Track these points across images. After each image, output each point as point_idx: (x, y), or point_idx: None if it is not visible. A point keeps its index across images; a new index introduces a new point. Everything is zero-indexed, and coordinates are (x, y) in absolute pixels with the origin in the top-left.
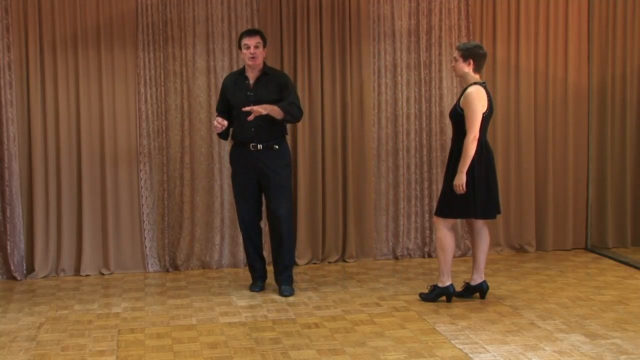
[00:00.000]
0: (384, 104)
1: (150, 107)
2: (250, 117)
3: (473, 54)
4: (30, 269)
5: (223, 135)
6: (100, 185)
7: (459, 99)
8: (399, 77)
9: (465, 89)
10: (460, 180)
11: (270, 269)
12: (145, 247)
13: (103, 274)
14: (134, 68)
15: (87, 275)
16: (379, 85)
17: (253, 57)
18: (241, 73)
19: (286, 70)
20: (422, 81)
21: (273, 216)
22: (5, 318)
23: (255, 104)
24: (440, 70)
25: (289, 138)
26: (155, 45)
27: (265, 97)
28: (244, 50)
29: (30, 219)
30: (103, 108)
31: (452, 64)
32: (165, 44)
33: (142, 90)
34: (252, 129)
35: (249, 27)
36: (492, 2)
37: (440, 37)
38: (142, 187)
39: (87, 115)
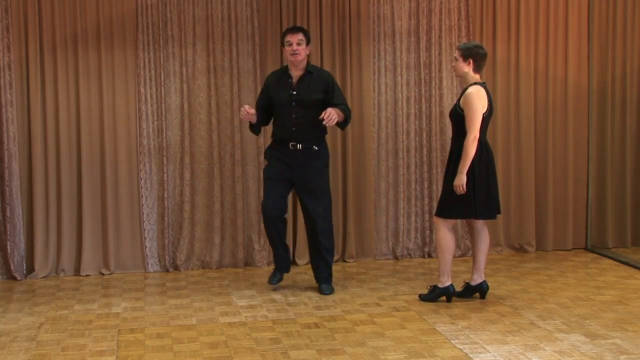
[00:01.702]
0: (384, 104)
1: (150, 107)
2: (327, 122)
3: (473, 54)
4: (30, 269)
5: (256, 128)
6: (100, 185)
7: (459, 99)
8: (399, 77)
9: (466, 89)
10: (461, 180)
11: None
12: (145, 247)
13: (103, 274)
14: (134, 68)
15: (87, 275)
16: (379, 85)
17: (295, 54)
18: (285, 71)
19: None
20: (422, 81)
21: (310, 216)
22: (5, 318)
23: (297, 103)
24: (440, 70)
25: None
26: (155, 45)
27: (308, 96)
28: (287, 47)
29: (30, 219)
30: (103, 108)
31: (453, 64)
32: (165, 44)
33: (142, 90)
34: (293, 129)
35: (249, 27)
36: (492, 2)
37: (440, 37)
38: (142, 187)
39: (87, 115)
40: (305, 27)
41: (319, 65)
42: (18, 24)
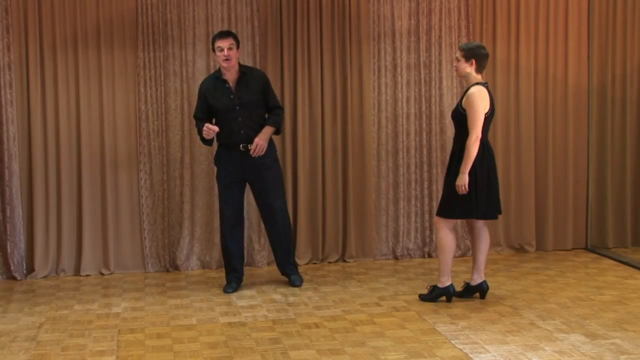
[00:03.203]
0: (384, 104)
1: (150, 107)
2: (255, 153)
3: (475, 54)
4: (30, 269)
5: (209, 141)
6: (100, 185)
7: (460, 99)
8: (399, 77)
9: (468, 89)
10: (463, 180)
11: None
12: (145, 247)
13: (103, 274)
14: (134, 68)
15: (87, 275)
16: (379, 85)
17: (227, 59)
18: (218, 77)
19: (286, 71)
20: (422, 81)
21: (269, 210)
22: (5, 318)
23: (239, 106)
24: (440, 70)
25: (289, 139)
26: (155, 45)
27: (248, 98)
28: (218, 53)
29: (30, 219)
30: (103, 108)
31: (455, 64)
32: (165, 44)
33: (142, 90)
34: (242, 132)
35: (249, 27)
36: (492, 2)
37: (440, 37)
38: (142, 187)
39: (87, 115)
40: (305, 27)
41: (318, 66)
42: (18, 24)
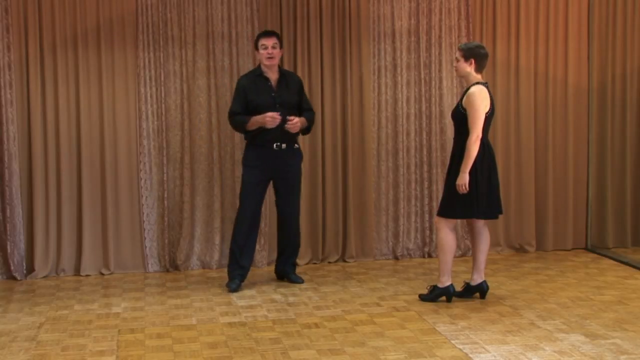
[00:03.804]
0: (384, 104)
1: (150, 107)
2: (290, 125)
3: (475, 54)
4: (30, 269)
5: (251, 132)
6: (100, 185)
7: (461, 99)
8: (399, 77)
9: (468, 89)
10: (463, 180)
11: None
12: (145, 247)
13: (103, 274)
14: (134, 68)
15: (87, 275)
16: (379, 85)
17: (270, 57)
18: (259, 74)
19: None
20: (422, 81)
21: (287, 210)
22: (5, 318)
23: (280, 105)
24: (440, 70)
25: None
26: (155, 45)
27: (288, 98)
28: (262, 51)
29: (30, 219)
30: (103, 108)
31: (454, 64)
32: (165, 44)
33: (142, 90)
34: (278, 131)
35: (249, 27)
36: (492, 2)
37: (440, 37)
38: (142, 187)
39: (87, 115)
40: (305, 27)
41: (318, 66)
42: (18, 24)
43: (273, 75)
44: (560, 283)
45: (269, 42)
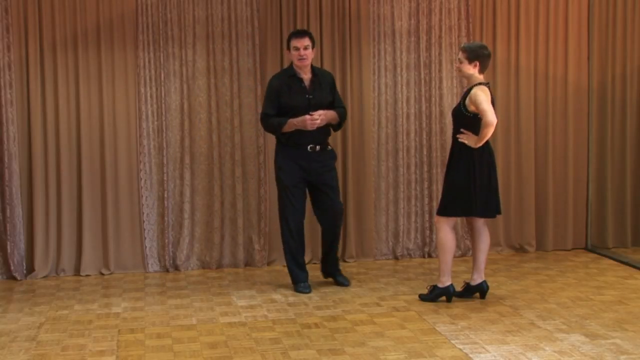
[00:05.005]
0: (384, 104)
1: (150, 107)
2: (314, 118)
3: (479, 55)
4: (30, 269)
5: (285, 132)
6: (100, 185)
7: (463, 99)
8: (399, 77)
9: (470, 89)
10: (473, 140)
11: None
12: (145, 247)
13: (103, 274)
14: (134, 68)
15: (87, 275)
16: (379, 85)
17: (302, 59)
18: (292, 75)
19: None
20: (422, 81)
21: (331, 211)
22: (5, 318)
23: (315, 106)
24: (440, 70)
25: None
26: (155, 45)
27: (322, 99)
28: (293, 52)
29: (30, 219)
30: (103, 108)
31: (457, 65)
32: (165, 44)
33: (142, 90)
34: (312, 132)
35: (249, 27)
36: (492, 2)
37: (440, 37)
38: (142, 187)
39: (87, 115)
40: (305, 27)
41: (318, 66)
42: (18, 24)
43: (306, 75)
44: (560, 283)
45: (301, 43)
